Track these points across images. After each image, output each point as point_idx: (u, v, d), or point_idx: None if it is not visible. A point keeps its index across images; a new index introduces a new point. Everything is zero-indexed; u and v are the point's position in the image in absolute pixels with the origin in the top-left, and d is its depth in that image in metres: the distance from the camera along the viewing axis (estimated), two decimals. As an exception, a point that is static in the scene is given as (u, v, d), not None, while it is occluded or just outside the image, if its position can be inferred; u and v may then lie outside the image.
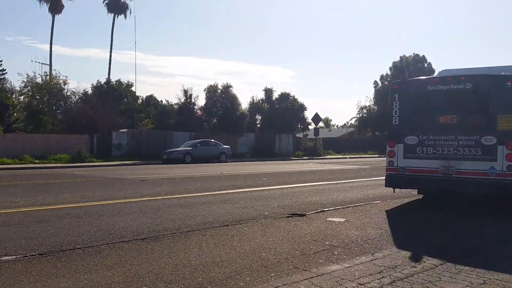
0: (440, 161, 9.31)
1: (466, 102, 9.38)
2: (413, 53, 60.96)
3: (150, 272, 4.78)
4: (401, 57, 61.27)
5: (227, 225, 7.32)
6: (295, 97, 46.61)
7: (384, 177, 9.99)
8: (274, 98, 46.36)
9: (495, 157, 8.77)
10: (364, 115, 61.19)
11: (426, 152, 9.55)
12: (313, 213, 8.66)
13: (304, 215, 8.40)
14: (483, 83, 9.35)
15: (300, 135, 49.93)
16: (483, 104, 9.21)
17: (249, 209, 9.00)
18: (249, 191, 12.22)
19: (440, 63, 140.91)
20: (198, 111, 41.44)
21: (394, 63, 61.25)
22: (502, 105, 8.88)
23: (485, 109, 9.14)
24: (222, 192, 11.96)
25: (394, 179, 9.91)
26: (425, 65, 60.58)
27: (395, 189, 10.32)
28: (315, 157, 39.93)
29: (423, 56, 60.59)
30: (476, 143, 8.99)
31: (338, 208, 9.28)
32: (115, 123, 35.32)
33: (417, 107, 9.88)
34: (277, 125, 43.36)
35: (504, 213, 9.20)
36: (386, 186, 10.25)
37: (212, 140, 32.54)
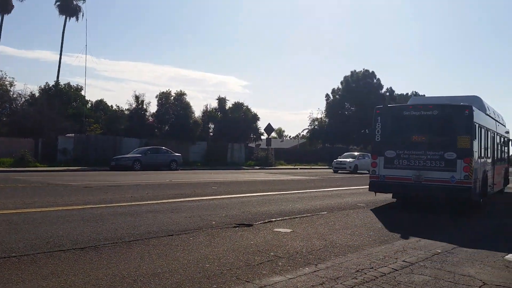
0: (413, 171, 11.65)
1: (433, 125, 11.78)
2: (363, 69, 62.92)
3: (86, 283, 4.57)
4: (352, 72, 63.03)
5: (171, 235, 7.15)
6: (249, 107, 46.91)
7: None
8: (227, 107, 46.38)
9: (455, 168, 11.14)
10: (316, 127, 62.39)
11: (402, 164, 11.91)
12: (261, 223, 8.64)
13: (251, 225, 8.37)
14: (446, 111, 11.86)
15: (252, 144, 50.12)
16: (446, 127, 11.64)
17: (196, 218, 8.86)
18: (198, 200, 12.07)
19: (388, 80, 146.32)
20: (150, 118, 40.70)
21: (345, 77, 62.96)
22: (460, 128, 11.38)
23: (448, 131, 11.55)
24: (170, 200, 11.73)
25: (376, 185, 12.33)
26: (374, 80, 62.64)
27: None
28: (266, 167, 40.14)
29: (373, 72, 62.66)
30: (441, 157, 11.38)
31: (286, 219, 9.31)
32: (62, 128, 34.02)
33: (395, 128, 12.30)
34: (230, 134, 43.34)
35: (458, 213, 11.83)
36: (369, 190, 12.56)
37: (163, 148, 31.99)
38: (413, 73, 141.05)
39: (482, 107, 13.85)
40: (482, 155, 13.23)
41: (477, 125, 12.09)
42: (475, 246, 7.27)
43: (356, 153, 39.87)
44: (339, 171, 35.36)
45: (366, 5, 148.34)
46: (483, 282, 5.19)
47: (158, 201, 11.40)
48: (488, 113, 14.82)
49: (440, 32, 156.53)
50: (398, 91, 67.18)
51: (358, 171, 34.81)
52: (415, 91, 70.26)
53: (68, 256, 5.64)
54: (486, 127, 13.74)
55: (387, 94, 64.25)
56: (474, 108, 11.76)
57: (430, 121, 11.85)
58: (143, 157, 29.34)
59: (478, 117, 12.41)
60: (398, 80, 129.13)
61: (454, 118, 11.68)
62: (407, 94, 69.58)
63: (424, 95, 65.38)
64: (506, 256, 6.65)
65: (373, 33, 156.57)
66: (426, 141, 11.76)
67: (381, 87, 63.40)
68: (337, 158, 37.94)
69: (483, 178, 13.00)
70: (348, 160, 36.55)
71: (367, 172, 25.86)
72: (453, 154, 11.22)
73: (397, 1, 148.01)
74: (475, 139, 11.80)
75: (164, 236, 7.04)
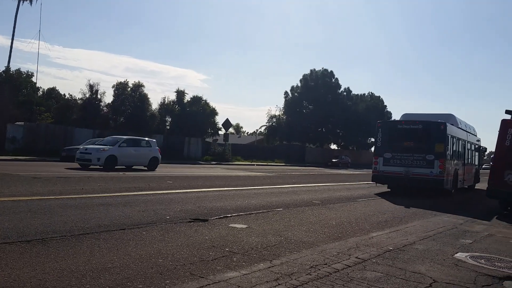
0: (403, 167, 16.80)
1: (418, 135, 16.81)
2: (322, 68, 64.03)
3: (32, 278, 4.33)
4: (311, 70, 63.98)
5: (124, 229, 6.93)
6: (207, 101, 46.64)
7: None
8: (186, 100, 45.82)
9: (433, 166, 16.27)
10: (274, 124, 62.85)
11: (396, 162, 17.02)
12: (216, 218, 8.55)
13: (207, 220, 8.26)
14: (428, 125, 16.91)
15: (210, 139, 49.83)
16: (427, 137, 16.63)
17: (149, 212, 8.66)
18: (152, 194, 11.81)
19: (346, 80, 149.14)
20: (105, 108, 39.59)
21: (304, 75, 63.72)
22: (437, 138, 16.44)
23: (429, 140, 16.55)
24: (123, 194, 11.41)
25: (377, 178, 17.74)
26: (333, 80, 63.77)
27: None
28: (223, 163, 40.01)
29: (331, 72, 63.80)
30: (423, 158, 16.47)
31: (241, 214, 9.27)
32: (12, 115, 32.49)
33: (391, 136, 17.47)
34: (187, 128, 42.88)
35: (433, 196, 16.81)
36: (372, 181, 18.00)
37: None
38: (370, 74, 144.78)
39: (455, 122, 18.82)
40: (454, 157, 17.89)
41: (449, 136, 16.91)
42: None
43: (120, 137, 23.52)
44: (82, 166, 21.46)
45: (329, 6, 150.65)
46: (433, 280, 5.33)
47: (111, 194, 11.07)
48: (460, 127, 19.59)
49: (397, 35, 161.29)
50: (355, 91, 68.79)
51: (116, 167, 21.23)
52: (371, 92, 72.13)
53: (13, 249, 5.35)
54: (457, 137, 18.45)
55: (345, 93, 65.60)
56: (447, 124, 16.72)
57: (416, 132, 16.89)
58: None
59: (451, 130, 17.19)
60: (355, 80, 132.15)
61: (433, 131, 16.61)
62: (364, 94, 71.29)
63: (380, 97, 67.39)
64: (456, 255, 6.89)
65: (333, 34, 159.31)
66: (413, 146, 16.74)
67: (339, 86, 64.67)
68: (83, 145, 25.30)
69: (454, 175, 17.89)
70: (97, 148, 21.74)
71: (134, 167, 22.27)
72: (432, 156, 16.33)
73: (359, 3, 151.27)
74: (448, 145, 16.66)
75: (115, 230, 6.82)
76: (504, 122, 13.12)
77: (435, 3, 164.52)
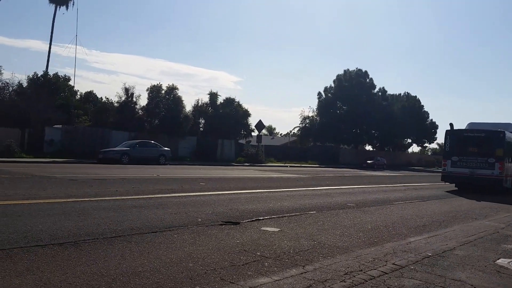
0: (468, 169, 20.02)
1: (482, 142, 20.00)
2: (356, 68, 63.08)
3: (62, 281, 4.32)
4: (345, 70, 63.19)
5: (155, 232, 6.91)
6: (240, 103, 46.62)
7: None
8: (218, 102, 46.06)
9: (494, 168, 19.36)
10: (307, 125, 62.37)
11: (462, 165, 20.23)
12: (248, 221, 8.43)
13: (238, 223, 8.16)
14: (489, 134, 20.04)
15: (242, 141, 49.92)
16: (489, 143, 19.76)
17: (181, 215, 8.63)
18: (185, 196, 11.82)
19: (380, 80, 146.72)
20: (140, 111, 40.27)
21: (338, 76, 62.98)
22: (497, 144, 19.57)
23: (490, 146, 19.69)
24: (156, 196, 11.46)
25: (446, 177, 21.20)
26: (367, 80, 62.73)
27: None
28: (256, 164, 39.96)
29: (366, 72, 62.77)
30: (485, 161, 19.58)
31: (274, 217, 9.12)
32: (50, 118, 33.49)
33: (458, 143, 20.66)
34: (220, 130, 43.06)
35: (496, 194, 19.32)
36: (441, 180, 21.47)
37: (152, 142, 31.66)
38: (405, 74, 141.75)
39: None
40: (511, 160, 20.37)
41: (508, 142, 19.79)
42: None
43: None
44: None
45: (361, 4, 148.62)
46: (474, 287, 5.04)
47: (144, 196, 11.15)
48: None
49: (432, 34, 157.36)
50: (390, 91, 67.41)
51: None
52: (407, 92, 70.59)
53: (45, 252, 5.38)
54: None
55: (380, 94, 64.40)
56: (506, 132, 19.84)
57: (480, 139, 20.06)
58: (131, 151, 29.00)
59: (509, 137, 20.10)
60: (390, 80, 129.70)
61: (493, 138, 19.72)
62: (399, 94, 69.85)
63: (416, 96, 65.90)
64: (497, 261, 6.52)
65: (367, 33, 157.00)
66: (477, 151, 19.90)
67: (374, 86, 63.57)
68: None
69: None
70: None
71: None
72: (493, 159, 19.43)
73: (392, 2, 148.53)
74: (506, 150, 19.61)
75: (147, 233, 6.80)
76: None
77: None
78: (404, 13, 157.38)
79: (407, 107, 66.24)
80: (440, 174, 21.67)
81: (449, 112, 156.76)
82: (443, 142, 21.14)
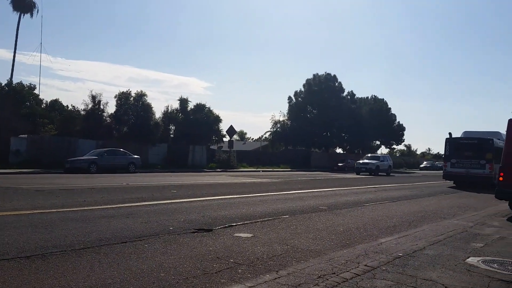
0: (465, 169, 24.98)
1: (475, 147, 24.90)
2: (325, 72, 63.72)
3: (28, 297, 4.17)
4: (314, 75, 63.78)
5: (125, 242, 6.76)
6: (211, 109, 46.38)
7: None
8: (189, 108, 45.67)
9: (485, 168, 24.31)
10: (278, 129, 62.61)
11: (459, 166, 25.21)
12: (221, 228, 8.36)
13: (211, 230, 8.07)
14: (481, 140, 24.98)
15: (214, 147, 49.66)
16: (481, 148, 24.64)
17: (152, 224, 8.47)
18: (156, 204, 11.62)
19: (349, 84, 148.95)
20: (108, 119, 39.54)
21: (307, 80, 63.53)
22: (487, 149, 24.47)
23: (481, 150, 24.57)
24: (126, 205, 11.24)
25: (446, 176, 26.38)
26: (336, 84, 63.52)
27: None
28: (228, 170, 39.81)
29: (334, 76, 63.59)
30: (478, 163, 24.44)
31: (247, 223, 9.07)
32: (15, 128, 32.49)
33: (456, 148, 25.60)
34: (191, 136, 42.73)
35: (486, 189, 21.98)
36: (443, 178, 26.94)
37: (121, 149, 31.08)
38: (373, 78, 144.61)
39: (500, 137, 24.18)
40: (499, 162, 23.43)
41: (495, 148, 23.57)
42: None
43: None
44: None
45: (330, 10, 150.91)
46: (445, 287, 5.12)
47: (113, 206, 10.91)
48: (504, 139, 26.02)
49: (399, 38, 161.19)
50: (358, 94, 68.38)
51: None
52: (374, 95, 71.86)
53: (12, 265, 5.19)
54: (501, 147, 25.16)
55: (348, 97, 65.31)
56: (494, 139, 24.50)
57: (473, 146, 24.98)
58: (100, 159, 28.41)
59: (496, 143, 24.09)
60: (358, 83, 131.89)
61: (484, 144, 24.62)
62: (367, 97, 71.01)
63: (383, 99, 67.14)
64: (467, 260, 6.65)
65: (336, 37, 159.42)
66: (471, 155, 24.73)
67: (343, 90, 64.43)
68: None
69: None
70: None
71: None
72: (484, 161, 24.25)
73: (361, 7, 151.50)
74: (495, 154, 23.13)
75: (117, 244, 6.64)
76: (511, 121, 12.84)
77: (438, 2, 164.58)
78: (374, 18, 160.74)
79: (375, 110, 67.44)
80: (442, 173, 27.22)
81: (415, 114, 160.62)
82: (444, 148, 26.34)
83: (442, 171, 27.61)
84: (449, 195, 20.40)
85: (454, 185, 26.48)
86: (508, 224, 11.32)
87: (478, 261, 6.61)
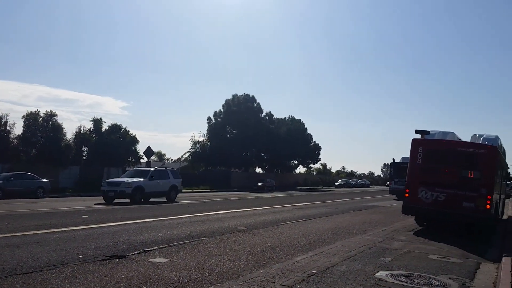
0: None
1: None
2: (244, 93, 64.72)
3: None
4: (233, 95, 64.50)
5: (31, 272, 6.30)
6: (127, 129, 44.98)
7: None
8: (103, 129, 43.97)
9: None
10: (198, 150, 62.21)
11: (400, 183, 27.92)
12: (135, 253, 8.08)
13: (124, 256, 7.77)
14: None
15: (131, 168, 48.05)
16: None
17: (61, 252, 7.98)
18: (65, 230, 10.96)
19: (267, 104, 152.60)
20: (14, 141, 36.89)
21: (226, 101, 64.11)
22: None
23: None
24: (33, 232, 10.48)
25: (391, 191, 35.99)
26: (255, 104, 64.73)
27: None
28: (146, 192, 38.59)
29: (253, 96, 64.77)
30: None
31: (163, 247, 8.86)
32: None
33: (397, 170, 32.93)
34: (106, 158, 41.05)
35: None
36: (388, 193, 36.64)
37: (28, 173, 29.03)
38: (289, 99, 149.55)
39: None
40: None
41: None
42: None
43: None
44: None
45: (249, 31, 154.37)
46: (355, 301, 5.35)
47: (19, 233, 10.13)
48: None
49: (316, 62, 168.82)
50: (276, 115, 70.08)
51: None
52: (291, 115, 74.15)
53: None
54: None
55: (267, 118, 66.75)
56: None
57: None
58: (5, 184, 26.32)
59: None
60: (275, 104, 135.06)
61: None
62: (285, 118, 73.08)
63: (300, 120, 69.45)
64: (376, 274, 7.02)
65: (254, 59, 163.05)
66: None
67: (261, 111, 65.74)
68: None
69: None
70: None
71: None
72: None
73: (280, 28, 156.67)
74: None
75: (21, 274, 6.18)
76: (414, 141, 13.86)
77: (350, 26, 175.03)
78: (292, 39, 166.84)
79: (292, 130, 69.51)
80: (387, 189, 33.04)
81: (330, 134, 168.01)
82: (388, 169, 33.05)
83: (356, 188, 31.09)
84: (361, 211, 21.48)
85: (396, 198, 33.01)
86: (414, 238, 12.13)
87: (386, 275, 7.00)
